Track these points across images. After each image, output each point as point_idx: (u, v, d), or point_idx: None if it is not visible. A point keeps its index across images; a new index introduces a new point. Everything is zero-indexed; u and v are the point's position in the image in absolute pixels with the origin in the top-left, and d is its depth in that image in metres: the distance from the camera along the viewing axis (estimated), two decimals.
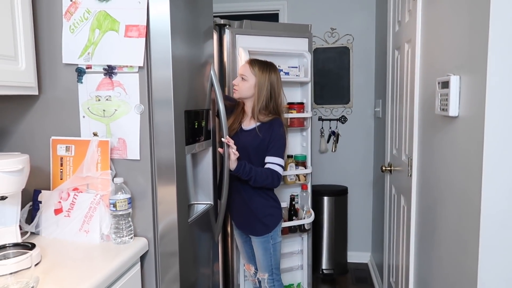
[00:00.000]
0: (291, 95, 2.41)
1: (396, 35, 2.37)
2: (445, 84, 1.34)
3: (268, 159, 1.92)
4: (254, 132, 1.93)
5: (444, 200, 1.44)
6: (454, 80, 1.28)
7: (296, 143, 2.56)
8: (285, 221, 2.41)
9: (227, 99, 2.06)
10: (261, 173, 1.87)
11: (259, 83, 1.91)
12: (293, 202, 2.48)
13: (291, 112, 2.35)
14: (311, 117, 2.42)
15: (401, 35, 2.19)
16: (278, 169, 1.91)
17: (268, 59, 2.23)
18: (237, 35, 2.18)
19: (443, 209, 1.45)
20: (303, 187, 2.48)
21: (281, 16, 3.36)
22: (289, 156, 2.44)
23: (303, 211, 2.45)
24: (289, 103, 2.35)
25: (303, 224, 2.44)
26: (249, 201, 1.96)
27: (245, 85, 1.92)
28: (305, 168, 2.45)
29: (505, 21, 1.04)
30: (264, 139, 1.91)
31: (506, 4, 1.03)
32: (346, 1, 3.30)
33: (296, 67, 2.34)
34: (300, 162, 2.45)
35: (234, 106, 2.06)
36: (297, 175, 2.44)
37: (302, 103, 2.37)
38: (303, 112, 2.36)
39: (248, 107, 1.99)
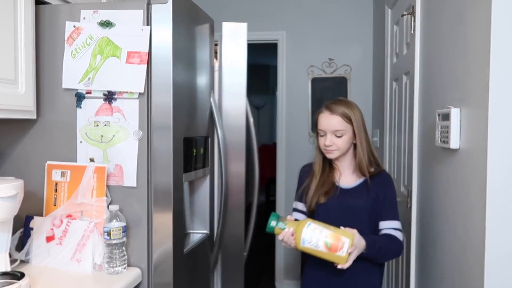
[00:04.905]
0: None
1: (394, 67, 2.40)
2: (446, 117, 1.34)
3: (385, 224, 1.51)
4: (364, 189, 1.52)
5: (446, 233, 1.41)
6: (454, 113, 1.29)
7: None
8: None
9: None
10: (386, 244, 1.47)
11: (357, 127, 1.51)
12: None
13: None
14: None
15: (399, 67, 2.22)
16: (400, 236, 1.52)
17: None
18: None
19: (445, 243, 1.42)
20: None
21: (279, 46, 3.41)
22: None
23: None
24: None
25: None
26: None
27: (345, 139, 1.51)
28: None
29: (506, 54, 1.05)
30: (377, 198, 1.51)
31: (507, 37, 1.05)
32: (344, 32, 3.36)
33: None
34: None
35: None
36: None
37: None
38: None
39: (344, 162, 1.57)
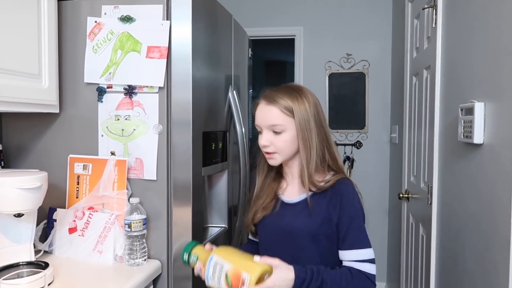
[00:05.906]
0: None
1: (414, 62, 2.36)
2: (469, 111, 1.31)
3: (346, 255, 1.09)
4: (306, 206, 1.12)
5: (468, 230, 1.39)
6: (478, 107, 1.26)
7: None
8: None
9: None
10: (340, 278, 1.04)
11: (301, 124, 1.11)
12: None
13: None
14: None
15: (420, 61, 2.18)
16: (369, 269, 1.07)
17: None
18: None
19: (467, 240, 1.40)
20: None
21: (297, 41, 3.39)
22: None
23: None
24: None
25: None
26: None
27: (285, 138, 1.12)
28: None
29: None
30: (329, 217, 1.11)
31: None
32: (362, 27, 3.32)
33: None
34: None
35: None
36: None
37: None
38: None
39: (292, 168, 1.19)
